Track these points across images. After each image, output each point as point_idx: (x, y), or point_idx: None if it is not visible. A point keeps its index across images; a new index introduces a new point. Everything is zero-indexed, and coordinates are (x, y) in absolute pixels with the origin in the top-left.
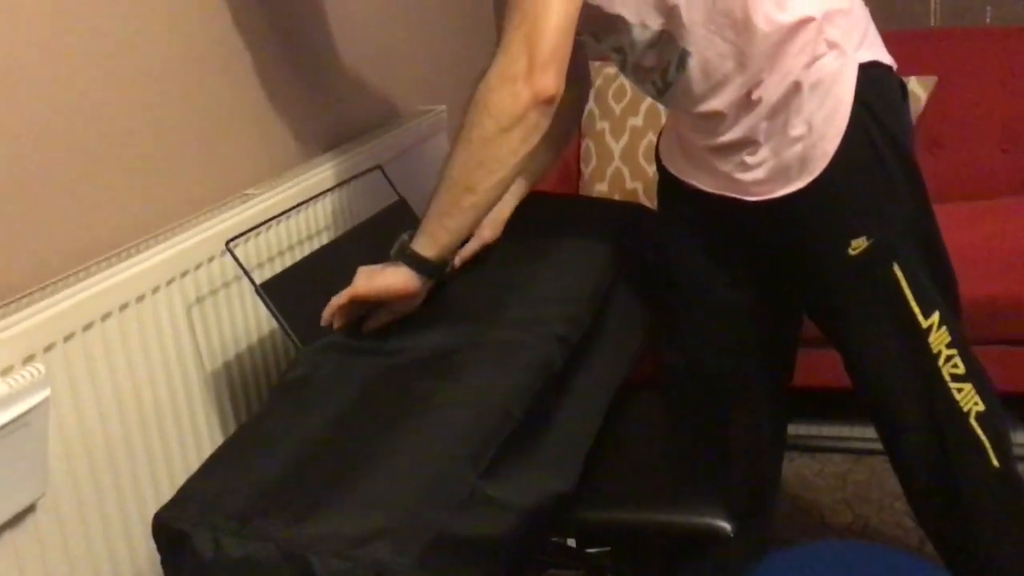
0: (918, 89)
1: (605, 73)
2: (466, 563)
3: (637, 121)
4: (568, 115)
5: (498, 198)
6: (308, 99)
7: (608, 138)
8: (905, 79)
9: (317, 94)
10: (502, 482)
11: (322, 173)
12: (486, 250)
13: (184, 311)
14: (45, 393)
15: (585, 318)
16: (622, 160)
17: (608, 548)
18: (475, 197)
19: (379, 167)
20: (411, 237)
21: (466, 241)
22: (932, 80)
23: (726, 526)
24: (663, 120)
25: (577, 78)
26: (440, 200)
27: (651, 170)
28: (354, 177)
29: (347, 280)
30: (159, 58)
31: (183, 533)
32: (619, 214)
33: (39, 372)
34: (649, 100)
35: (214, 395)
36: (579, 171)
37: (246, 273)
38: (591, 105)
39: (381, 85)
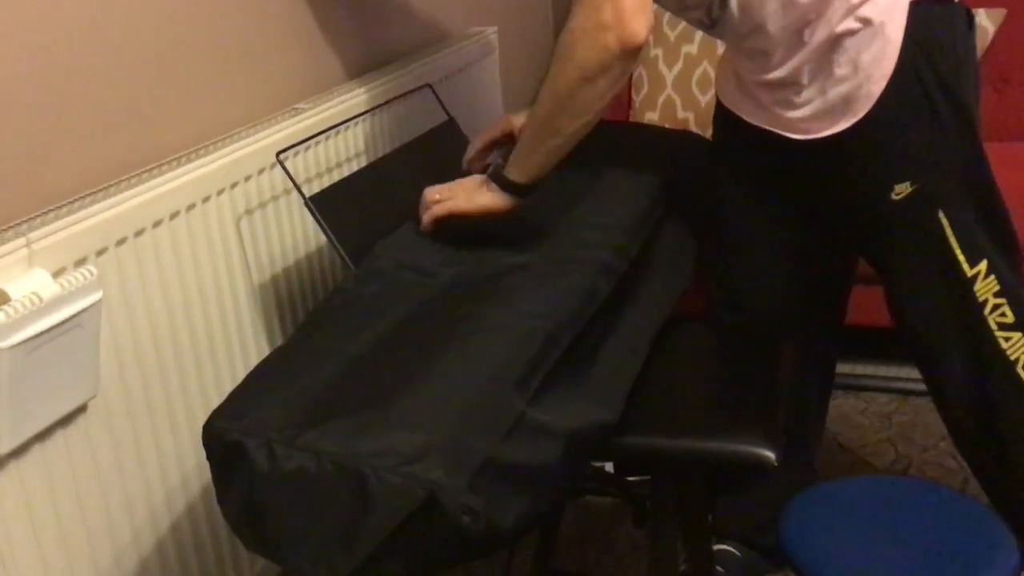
0: (985, 22)
1: None
2: (513, 488)
3: (691, 49)
4: None
5: (583, 137)
6: (358, 16)
7: (661, 65)
8: (973, 11)
9: (367, 11)
10: (548, 409)
11: (373, 90)
12: None
13: (234, 222)
14: (97, 295)
15: (631, 247)
16: (674, 89)
17: (648, 477)
18: (560, 139)
19: (429, 85)
20: (505, 160)
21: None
22: (1001, 12)
23: (771, 455)
24: (719, 50)
25: None
26: (529, 136)
27: (704, 100)
28: (404, 95)
29: (398, 197)
30: None
31: (237, 443)
32: (672, 143)
33: (91, 274)
34: None
35: (261, 307)
36: (630, 98)
37: (295, 185)
38: None
39: (432, 4)
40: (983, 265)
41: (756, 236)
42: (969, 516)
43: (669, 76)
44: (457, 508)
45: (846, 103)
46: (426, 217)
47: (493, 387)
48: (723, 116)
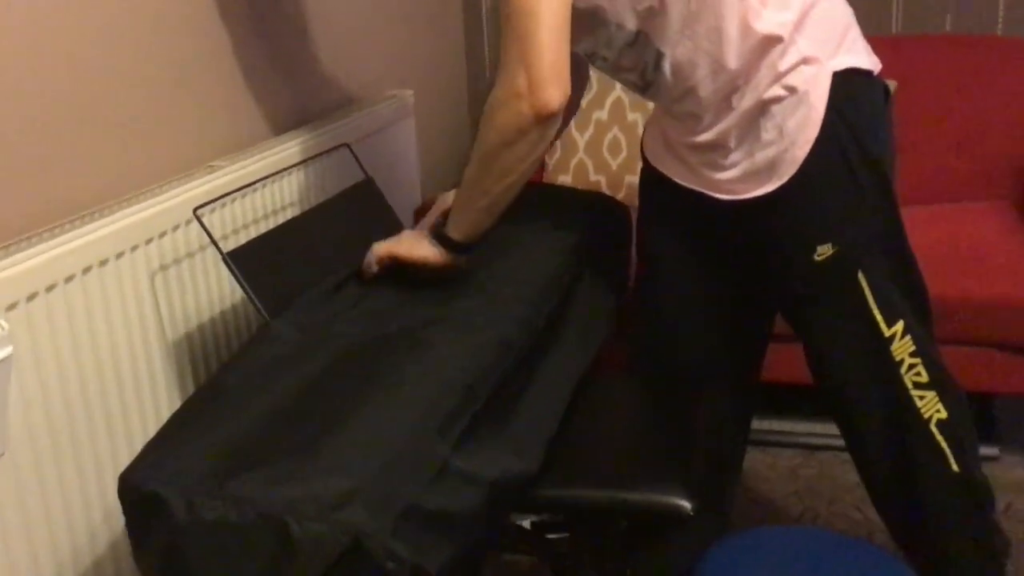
0: None
1: None
2: (437, 534)
3: (602, 115)
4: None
5: (513, 197)
6: (276, 75)
7: (573, 131)
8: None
9: (285, 70)
10: (471, 458)
11: (290, 149)
12: None
13: (148, 278)
14: (8, 351)
15: (547, 302)
16: (586, 153)
17: (566, 534)
18: (488, 199)
19: (347, 145)
20: (446, 218)
21: None
22: (893, 84)
23: (686, 504)
24: (628, 116)
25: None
26: (461, 197)
27: (615, 163)
28: (322, 154)
29: (316, 254)
30: (131, 27)
31: (154, 495)
32: (587, 203)
33: (3, 329)
34: (614, 95)
35: (175, 363)
36: (544, 162)
37: (212, 241)
38: None
39: (350, 67)
40: (900, 325)
41: (681, 292)
42: (880, 565)
43: (581, 141)
44: (382, 553)
45: (772, 167)
46: (371, 256)
47: (416, 435)
48: (650, 176)
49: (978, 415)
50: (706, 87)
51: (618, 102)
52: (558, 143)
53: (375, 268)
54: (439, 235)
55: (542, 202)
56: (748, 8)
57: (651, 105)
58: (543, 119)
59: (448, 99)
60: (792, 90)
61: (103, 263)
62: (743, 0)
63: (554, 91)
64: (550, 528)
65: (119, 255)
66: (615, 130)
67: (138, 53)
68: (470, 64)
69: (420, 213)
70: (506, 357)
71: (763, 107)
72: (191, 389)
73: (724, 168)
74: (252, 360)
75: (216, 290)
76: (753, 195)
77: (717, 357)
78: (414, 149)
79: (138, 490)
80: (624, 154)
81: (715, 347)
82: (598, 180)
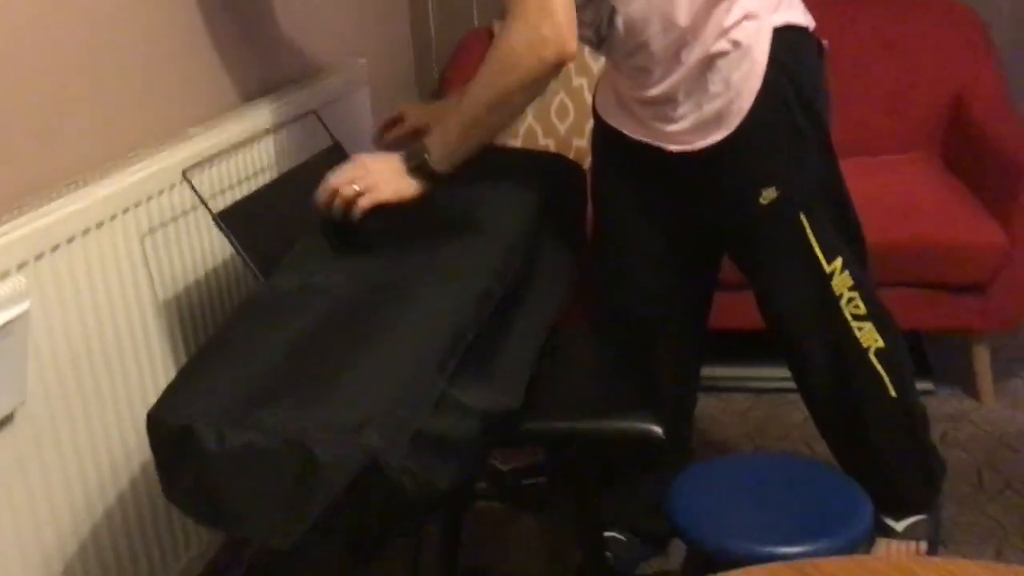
0: None
1: None
2: (441, 456)
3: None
4: None
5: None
6: (242, 48)
7: None
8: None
9: (249, 43)
10: (464, 391)
11: (259, 116)
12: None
13: (138, 241)
14: (26, 305)
15: (517, 254)
16: (534, 118)
17: (539, 479)
18: (487, 135)
19: (314, 112)
20: (423, 149)
21: None
22: (825, 42)
23: (658, 430)
24: (574, 81)
25: None
26: (459, 133)
27: (563, 127)
28: (292, 121)
29: (298, 213)
30: (112, 9)
31: (184, 427)
32: (545, 163)
33: (21, 284)
34: None
35: (166, 319)
36: None
37: (203, 202)
38: None
39: (307, 38)
40: (838, 262)
41: (635, 242)
42: (831, 482)
43: (530, 107)
44: (397, 469)
45: (719, 117)
46: (357, 210)
47: (418, 370)
48: (603, 132)
49: (912, 352)
50: (657, 42)
51: (564, 71)
52: None
53: (358, 211)
54: (423, 169)
55: (504, 163)
56: None
57: (595, 70)
58: (561, 65)
59: (396, 66)
60: (736, 44)
61: (99, 225)
62: None
63: (573, 40)
64: (526, 475)
65: (105, 221)
66: (562, 95)
67: (116, 31)
68: (415, 32)
69: (388, 126)
70: (486, 304)
71: (710, 61)
72: (183, 349)
73: (674, 120)
74: (256, 312)
75: (201, 252)
76: (702, 145)
77: (670, 304)
78: (369, 116)
79: (168, 424)
80: (571, 118)
81: (668, 295)
82: (547, 144)
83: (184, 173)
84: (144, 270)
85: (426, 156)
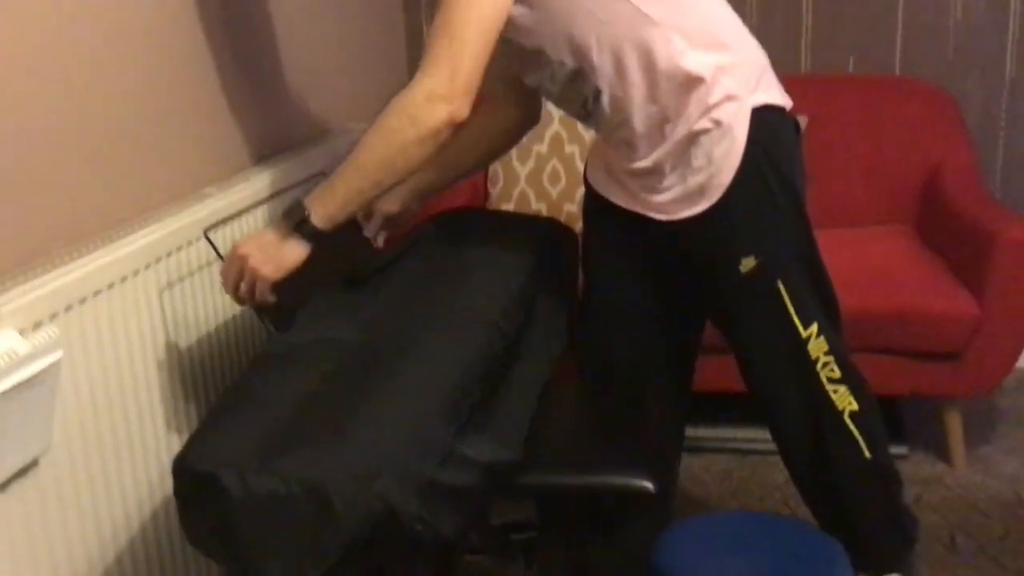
0: None
1: None
2: (448, 506)
3: (542, 148)
4: (505, 132)
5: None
6: (251, 114)
7: (515, 162)
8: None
9: (258, 110)
10: (468, 445)
11: (270, 177)
12: (402, 224)
13: (157, 295)
14: (59, 354)
15: (517, 312)
16: (527, 183)
17: (530, 535)
18: (377, 189)
19: (324, 173)
20: (303, 209)
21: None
22: (804, 119)
23: (649, 485)
24: (566, 149)
25: (523, 102)
26: (346, 189)
27: (555, 192)
28: (303, 181)
29: (305, 272)
30: (133, 65)
31: (210, 474)
32: (540, 227)
33: (54, 334)
34: (553, 129)
35: (180, 373)
36: (487, 191)
37: (221, 258)
38: None
39: (311, 105)
40: (814, 327)
41: (623, 305)
42: (810, 540)
43: (523, 172)
44: (411, 518)
45: (701, 190)
46: (261, 299)
47: (428, 423)
48: (593, 200)
49: (887, 417)
50: (640, 119)
51: (556, 136)
52: (500, 173)
53: (263, 299)
54: (305, 228)
55: (500, 227)
56: (675, 51)
57: (587, 139)
58: (454, 124)
59: None
60: (718, 123)
61: (123, 279)
62: (670, 43)
63: (469, 103)
64: (516, 529)
65: (135, 272)
66: (554, 161)
67: (140, 99)
68: None
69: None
70: (489, 359)
71: (693, 137)
72: (203, 399)
73: (661, 191)
74: (274, 364)
75: (213, 308)
76: (686, 215)
77: (655, 366)
78: None
79: (194, 470)
80: (563, 183)
81: (652, 358)
82: (540, 207)
83: (205, 232)
84: (161, 322)
85: (307, 215)
